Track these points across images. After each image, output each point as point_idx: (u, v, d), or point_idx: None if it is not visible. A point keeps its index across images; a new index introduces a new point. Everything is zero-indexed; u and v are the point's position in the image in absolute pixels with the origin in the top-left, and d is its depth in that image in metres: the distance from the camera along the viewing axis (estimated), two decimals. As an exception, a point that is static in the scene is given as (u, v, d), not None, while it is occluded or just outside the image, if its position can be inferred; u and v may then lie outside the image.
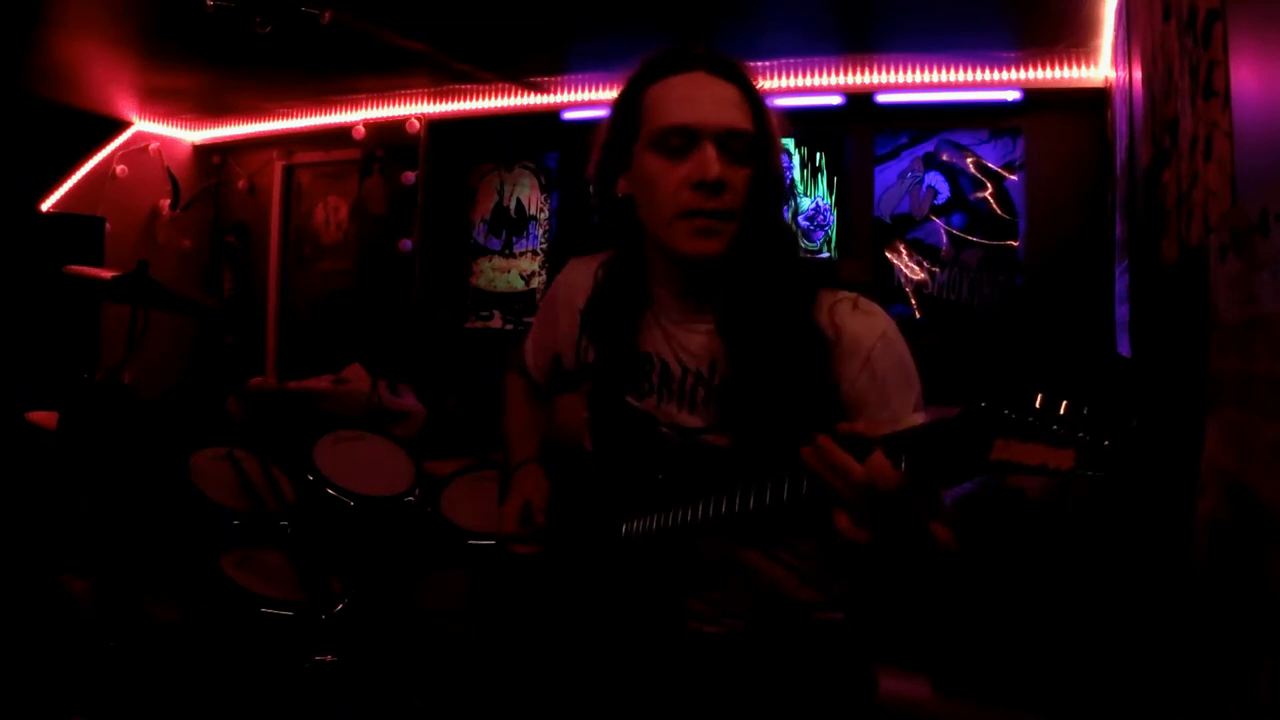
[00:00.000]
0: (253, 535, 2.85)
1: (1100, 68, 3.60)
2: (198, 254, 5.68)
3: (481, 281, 4.94)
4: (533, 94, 4.57)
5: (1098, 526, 2.14)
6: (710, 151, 1.19)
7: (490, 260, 4.93)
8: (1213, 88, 1.32)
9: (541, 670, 1.52)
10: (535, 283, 4.82)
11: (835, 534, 0.98)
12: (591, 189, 1.35)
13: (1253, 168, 1.15)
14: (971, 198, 3.92)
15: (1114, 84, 3.24)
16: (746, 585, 1.31)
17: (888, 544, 1.01)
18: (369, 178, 5.14)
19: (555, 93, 4.54)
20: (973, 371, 3.31)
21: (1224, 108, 1.27)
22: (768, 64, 3.94)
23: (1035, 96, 3.79)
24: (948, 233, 3.95)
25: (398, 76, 4.50)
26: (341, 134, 5.01)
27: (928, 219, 3.98)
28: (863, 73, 3.99)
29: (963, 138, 3.94)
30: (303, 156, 5.42)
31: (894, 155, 4.06)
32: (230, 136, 5.57)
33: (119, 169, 5.27)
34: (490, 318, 4.91)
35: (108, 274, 2.91)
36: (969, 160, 3.93)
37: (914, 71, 3.92)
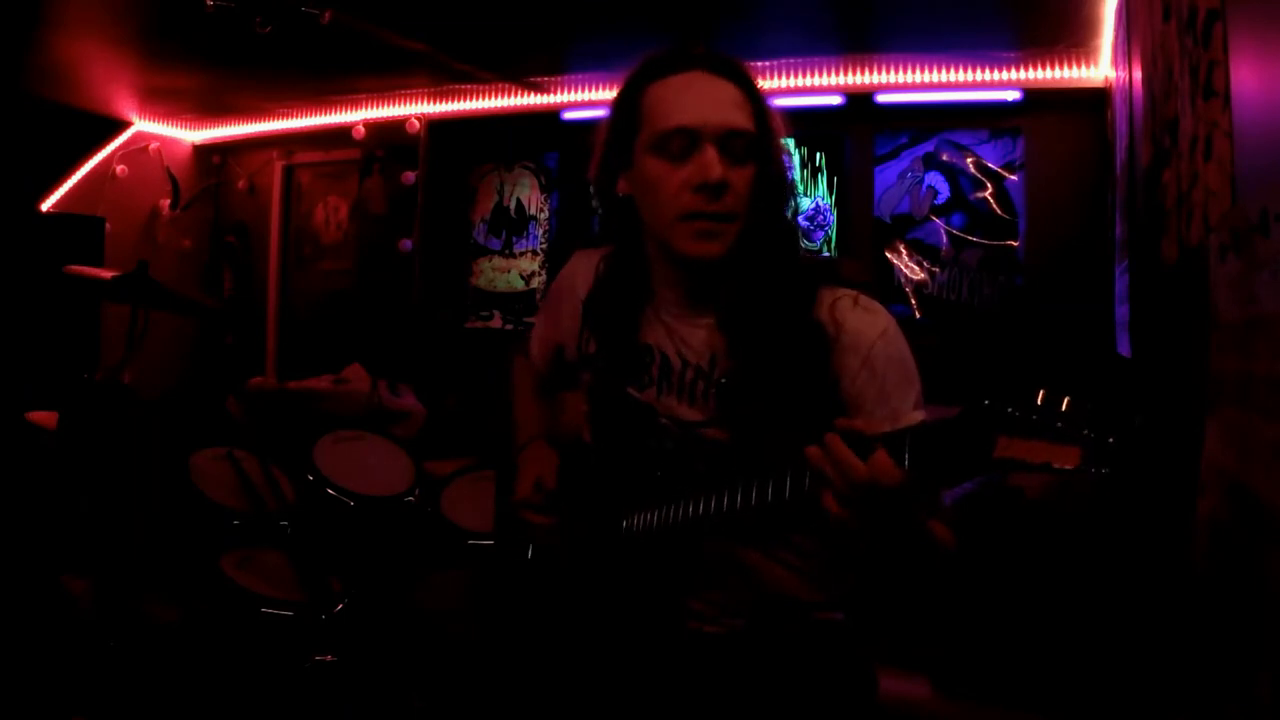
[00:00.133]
0: (253, 535, 2.86)
1: (1100, 68, 3.60)
2: (198, 254, 5.67)
3: (481, 281, 4.94)
4: (533, 94, 4.57)
5: (1098, 526, 2.14)
6: (711, 153, 1.19)
7: (490, 260, 4.93)
8: (1213, 88, 1.32)
9: (542, 670, 1.52)
10: (535, 283, 4.82)
11: (834, 530, 0.98)
12: (592, 188, 1.36)
13: (1253, 168, 1.15)
14: (971, 198, 3.92)
15: (1114, 84, 3.24)
16: (747, 585, 1.31)
17: (885, 542, 1.01)
18: (369, 178, 5.14)
19: (555, 93, 4.53)
20: (973, 371, 3.32)
21: (1224, 108, 1.27)
22: (768, 64, 3.94)
23: (1035, 96, 3.78)
24: (948, 233, 3.95)
25: (398, 76, 4.50)
26: (341, 134, 5.01)
27: (928, 219, 3.98)
28: (863, 73, 3.99)
29: (963, 138, 3.94)
30: (303, 156, 5.42)
31: (894, 155, 4.06)
32: (230, 136, 5.57)
33: (119, 169, 5.27)
34: (490, 318, 4.91)
35: (108, 274, 2.91)
36: (969, 160, 3.93)
37: (914, 71, 3.92)
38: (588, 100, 4.50)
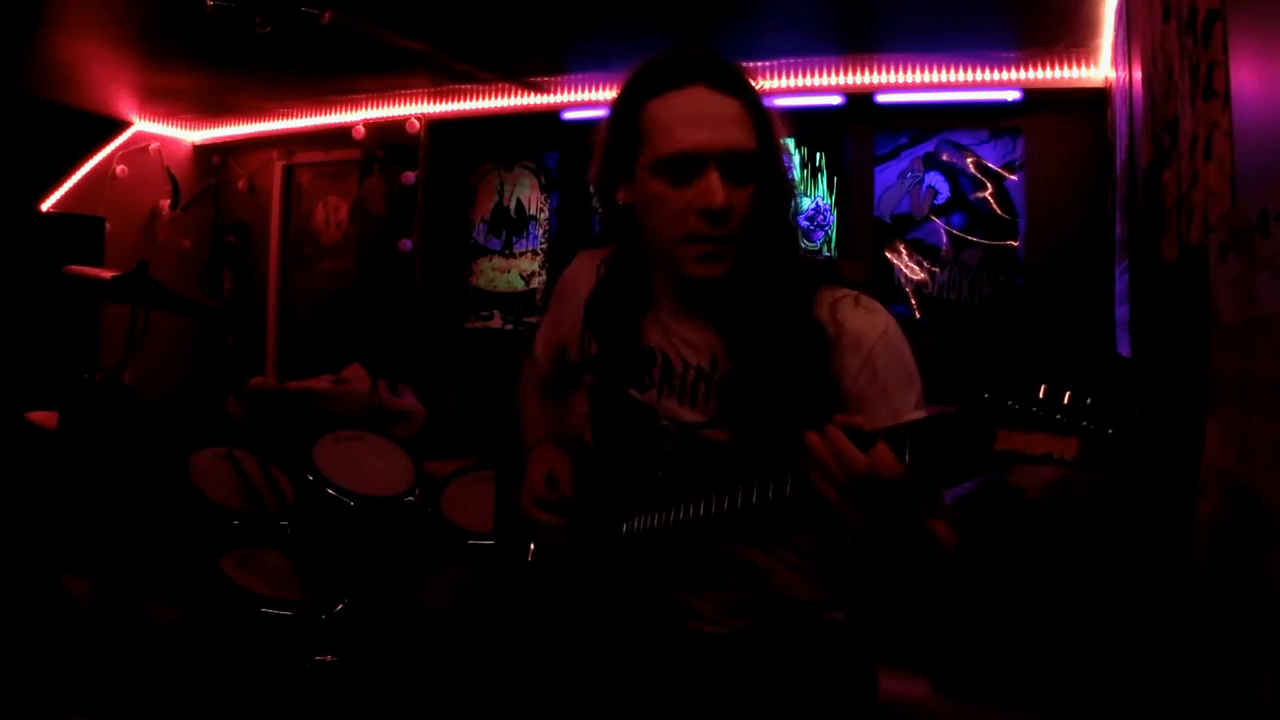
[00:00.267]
0: (253, 535, 2.86)
1: (1100, 68, 3.60)
2: (198, 254, 5.67)
3: (481, 281, 4.94)
4: (533, 94, 4.57)
5: (1097, 526, 2.14)
6: (714, 179, 1.18)
7: (490, 260, 4.93)
8: (1213, 88, 1.32)
9: (541, 670, 1.52)
10: (535, 283, 4.82)
11: (835, 527, 0.98)
12: (592, 188, 1.35)
13: (1253, 168, 1.15)
14: (971, 198, 3.92)
15: (1114, 84, 3.24)
16: (747, 585, 1.31)
17: (886, 538, 1.01)
18: (369, 178, 5.14)
19: (555, 93, 4.53)
20: (973, 371, 3.31)
21: (1224, 108, 1.27)
22: (768, 64, 3.93)
23: (1035, 96, 3.78)
24: (948, 233, 3.95)
25: (398, 76, 4.50)
26: (341, 134, 5.01)
27: (928, 219, 3.98)
28: (863, 73, 3.99)
29: (963, 138, 3.94)
30: (303, 156, 5.42)
31: (894, 155, 4.06)
32: (230, 136, 5.57)
33: (119, 169, 5.27)
34: (490, 318, 4.91)
35: (108, 274, 2.91)
36: (969, 160, 3.93)
37: (914, 71, 3.92)
38: (588, 100, 4.50)
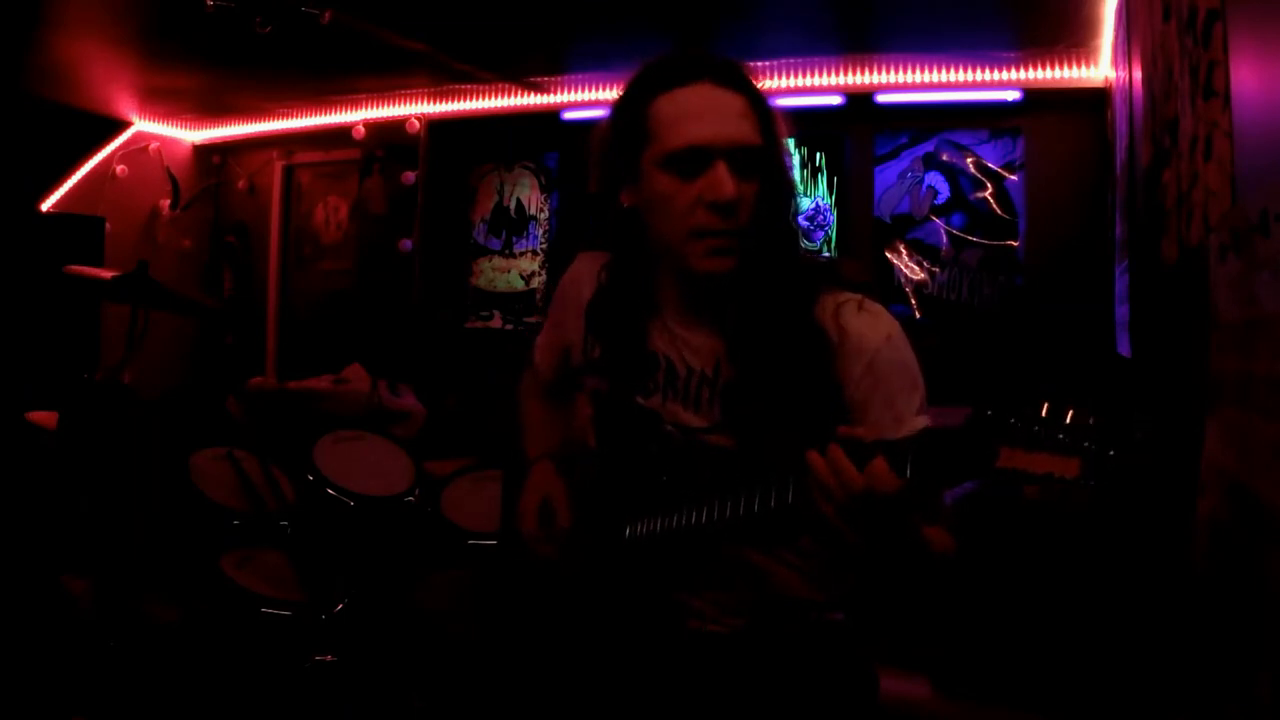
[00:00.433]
0: (253, 535, 2.86)
1: (1100, 68, 3.60)
2: (198, 254, 5.68)
3: (481, 281, 4.94)
4: (533, 94, 4.57)
5: (1098, 526, 2.14)
6: (723, 171, 1.18)
7: (490, 260, 4.93)
8: (1213, 88, 1.32)
9: (542, 670, 1.52)
10: (535, 283, 4.82)
11: (832, 538, 0.98)
12: (594, 203, 1.35)
13: (1253, 168, 1.15)
14: (971, 198, 3.92)
15: (1114, 84, 3.24)
16: (748, 584, 1.31)
17: (881, 549, 1.01)
18: (369, 178, 5.14)
19: (555, 93, 4.54)
20: (973, 372, 3.31)
21: (1224, 108, 1.27)
22: (768, 64, 3.93)
23: (1035, 96, 3.79)
24: (948, 233, 3.95)
25: (398, 76, 4.50)
26: (341, 134, 5.01)
27: (928, 219, 3.98)
28: (863, 73, 3.99)
29: (963, 138, 3.94)
30: (303, 156, 5.42)
31: (894, 155, 4.06)
32: (230, 136, 5.57)
33: (119, 169, 5.27)
34: (490, 318, 4.91)
35: (108, 274, 2.91)
36: (969, 160, 3.93)
37: (914, 71, 3.92)
38: (588, 100, 4.50)
